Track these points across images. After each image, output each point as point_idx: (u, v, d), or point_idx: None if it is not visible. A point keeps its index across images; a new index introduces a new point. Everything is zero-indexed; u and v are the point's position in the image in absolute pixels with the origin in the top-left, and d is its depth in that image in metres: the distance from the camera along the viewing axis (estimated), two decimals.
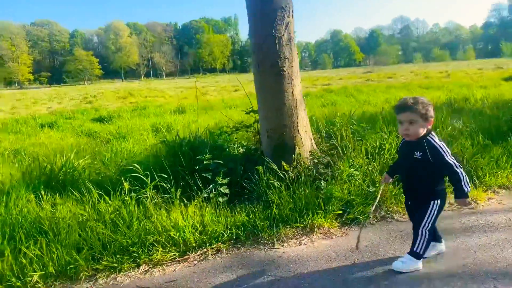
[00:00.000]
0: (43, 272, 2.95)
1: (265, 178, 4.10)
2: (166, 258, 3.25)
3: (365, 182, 4.13)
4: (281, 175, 4.12)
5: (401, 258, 2.88)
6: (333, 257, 3.15)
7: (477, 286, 2.59)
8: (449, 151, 2.65)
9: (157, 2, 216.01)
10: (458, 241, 3.24)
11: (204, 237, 3.45)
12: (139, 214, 3.56)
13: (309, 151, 4.50)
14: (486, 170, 4.50)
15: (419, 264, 2.83)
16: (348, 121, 4.98)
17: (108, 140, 7.58)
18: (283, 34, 4.26)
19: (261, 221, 3.64)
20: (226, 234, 3.49)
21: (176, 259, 3.27)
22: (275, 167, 4.15)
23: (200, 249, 3.39)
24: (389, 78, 27.98)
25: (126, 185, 3.78)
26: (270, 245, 3.44)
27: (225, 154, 4.55)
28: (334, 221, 3.72)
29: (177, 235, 3.38)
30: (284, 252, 3.32)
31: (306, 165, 4.33)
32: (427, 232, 2.76)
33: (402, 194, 3.86)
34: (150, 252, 3.27)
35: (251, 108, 4.86)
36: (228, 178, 4.16)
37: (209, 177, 4.15)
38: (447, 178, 2.78)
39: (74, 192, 3.82)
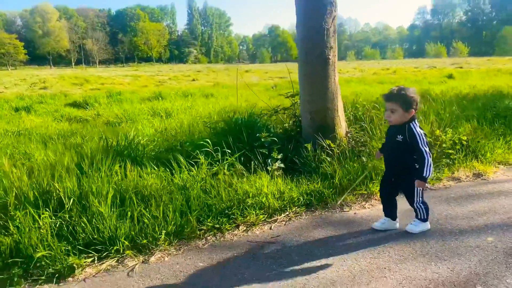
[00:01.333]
0: (165, 231, 3.28)
1: (311, 155, 4.65)
2: (259, 219, 3.69)
3: None
4: (329, 152, 4.68)
5: (412, 222, 3.47)
6: (400, 217, 3.77)
7: None
8: (425, 140, 3.16)
9: None
10: (493, 201, 4.02)
11: (284, 202, 3.93)
12: (223, 184, 3.96)
13: (346, 131, 5.11)
14: (486, 149, 5.39)
15: (428, 225, 3.46)
16: (373, 106, 5.66)
17: (113, 124, 7.63)
18: (330, 27, 4.81)
19: (327, 189, 4.19)
20: (301, 199, 4.00)
21: (267, 220, 3.73)
22: (325, 144, 4.70)
23: (283, 212, 3.87)
24: None
25: (202, 159, 4.15)
26: (339, 209, 4.00)
27: (271, 133, 5.01)
28: None
29: (264, 200, 3.83)
30: (355, 213, 3.89)
31: (345, 144, 4.93)
32: (421, 205, 3.37)
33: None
34: (244, 215, 3.70)
35: (291, 93, 5.35)
36: (281, 153, 4.65)
37: (266, 152, 4.61)
38: None
39: (152, 164, 4.13)
